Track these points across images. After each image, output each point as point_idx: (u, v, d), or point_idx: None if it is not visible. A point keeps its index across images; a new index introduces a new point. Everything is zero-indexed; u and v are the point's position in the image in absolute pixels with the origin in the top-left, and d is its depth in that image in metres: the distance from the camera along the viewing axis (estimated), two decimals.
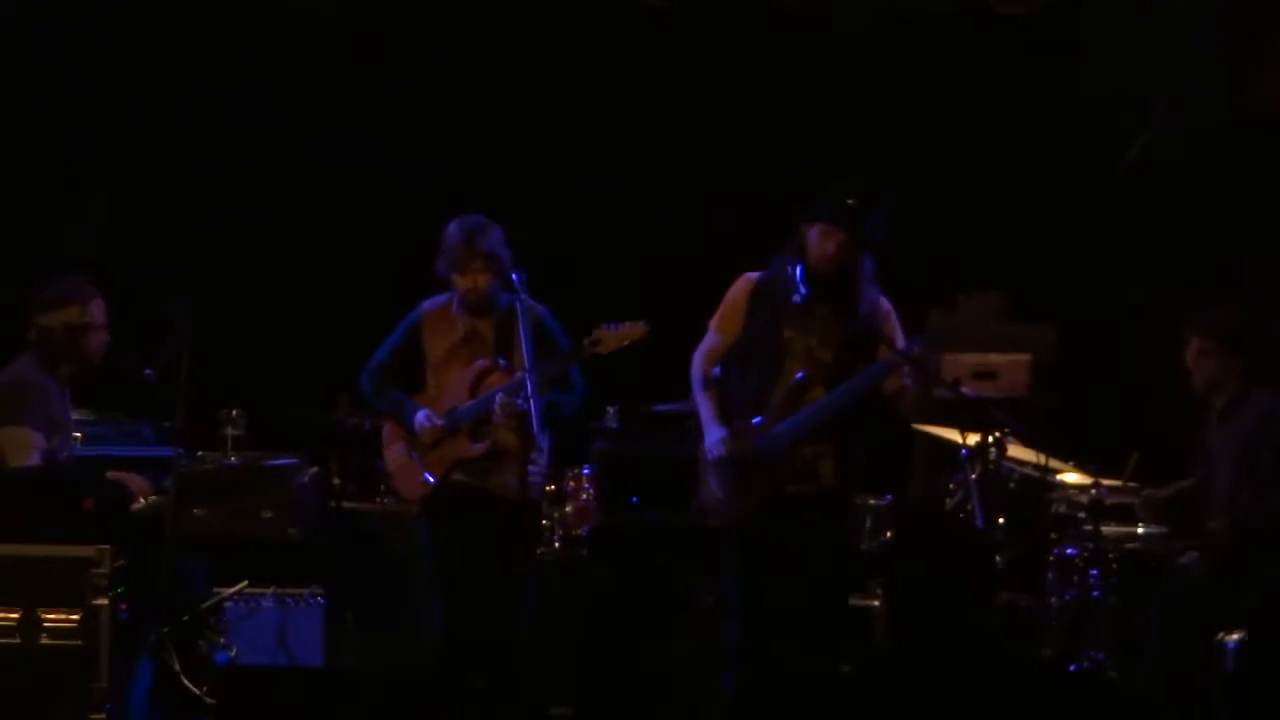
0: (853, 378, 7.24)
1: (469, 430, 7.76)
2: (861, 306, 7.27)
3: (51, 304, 7.90)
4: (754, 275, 7.49)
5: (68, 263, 8.66)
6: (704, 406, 7.44)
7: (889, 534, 8.95)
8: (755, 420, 7.28)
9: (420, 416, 7.78)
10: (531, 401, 7.40)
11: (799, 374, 7.27)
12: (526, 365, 7.48)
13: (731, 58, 10.34)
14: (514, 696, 7.77)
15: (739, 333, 7.45)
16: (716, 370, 7.52)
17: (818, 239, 7.29)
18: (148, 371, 7.97)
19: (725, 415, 7.37)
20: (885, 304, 7.43)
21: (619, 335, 7.57)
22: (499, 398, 7.61)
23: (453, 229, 7.80)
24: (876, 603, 8.82)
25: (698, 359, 7.54)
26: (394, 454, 7.98)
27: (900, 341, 7.34)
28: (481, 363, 7.79)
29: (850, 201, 7.25)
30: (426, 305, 7.95)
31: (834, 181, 7.37)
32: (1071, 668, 8.27)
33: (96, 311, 7.94)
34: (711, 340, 7.52)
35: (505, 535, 7.70)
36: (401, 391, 7.90)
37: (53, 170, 10.41)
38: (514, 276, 7.63)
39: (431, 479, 7.81)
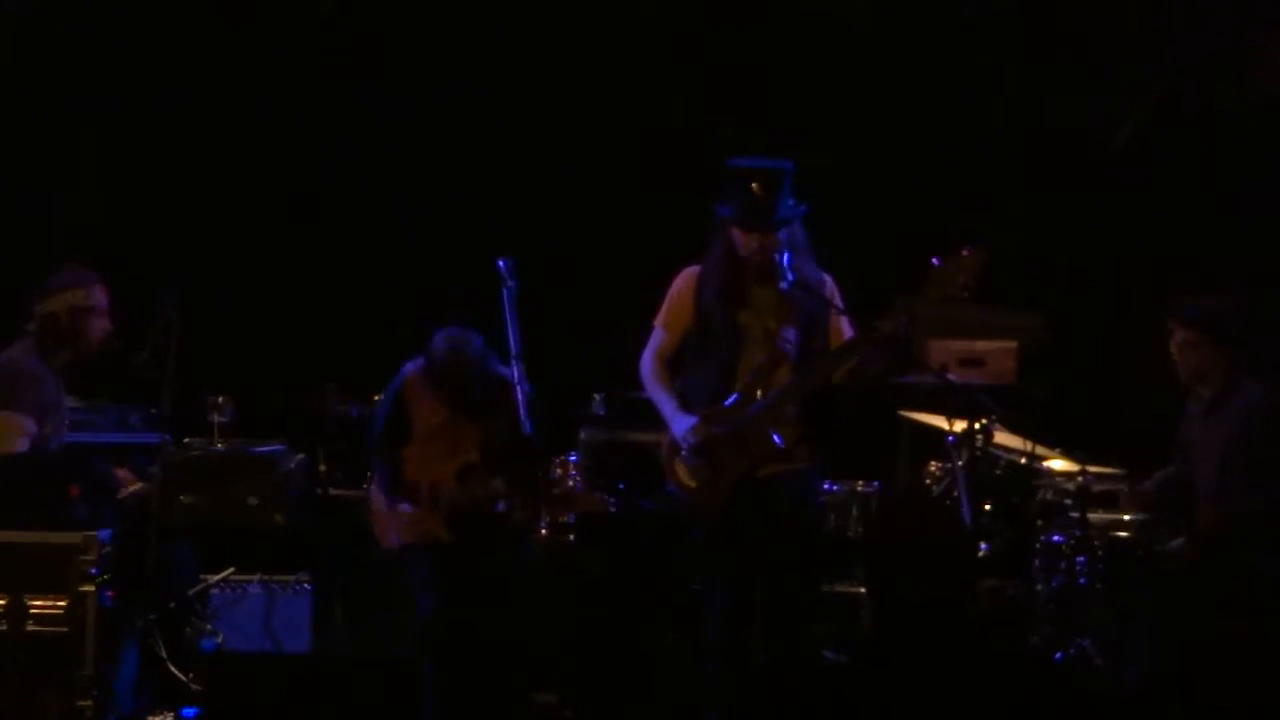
0: (822, 355, 7.21)
1: (445, 514, 7.81)
2: (798, 276, 7.21)
3: (55, 289, 7.91)
4: (696, 268, 7.45)
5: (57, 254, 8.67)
6: (665, 401, 7.38)
7: (874, 521, 8.94)
8: (727, 402, 7.25)
9: (403, 510, 7.85)
10: (518, 389, 7.39)
11: (763, 356, 7.25)
12: (513, 350, 7.47)
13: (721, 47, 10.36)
14: (502, 686, 7.80)
15: (688, 327, 7.41)
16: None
17: (741, 239, 7.26)
18: (137, 358, 7.98)
19: (687, 406, 7.34)
20: (829, 280, 7.39)
21: (583, 500, 7.66)
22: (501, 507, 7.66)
23: (437, 349, 7.79)
24: (863, 590, 8.82)
25: (648, 357, 7.46)
26: (376, 498, 8.02)
27: (846, 322, 7.30)
28: (468, 455, 7.82)
29: (757, 200, 7.18)
30: (409, 370, 7.96)
31: (732, 171, 7.28)
32: (1058, 655, 8.28)
33: (100, 296, 7.97)
34: (660, 337, 7.45)
35: (495, 529, 7.73)
36: (393, 470, 7.96)
37: (44, 162, 10.40)
38: (500, 263, 7.62)
39: (397, 541, 7.88)
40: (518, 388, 7.39)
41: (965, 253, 6.94)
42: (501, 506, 7.75)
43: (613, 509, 7.72)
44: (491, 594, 7.79)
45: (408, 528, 7.85)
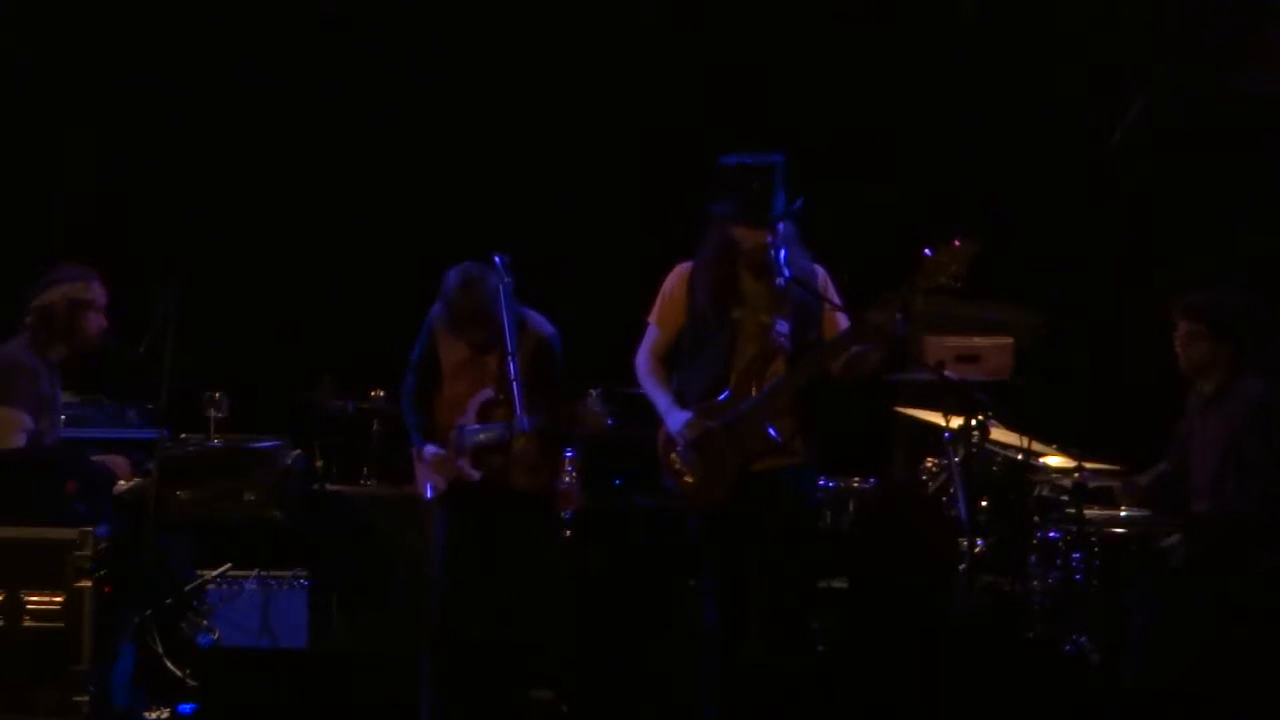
0: (816, 348, 7.22)
1: (470, 453, 7.77)
2: (793, 270, 7.22)
3: (52, 282, 7.93)
4: (688, 265, 7.45)
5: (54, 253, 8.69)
6: (660, 397, 7.39)
7: (866, 516, 8.95)
8: (720, 397, 7.26)
9: (428, 452, 7.82)
10: (514, 384, 7.39)
11: (756, 350, 7.26)
12: (509, 349, 7.47)
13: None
14: (498, 682, 7.81)
15: (681, 323, 7.42)
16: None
17: (745, 237, 7.25)
18: (133, 354, 7.99)
19: (682, 401, 7.35)
20: (822, 271, 7.40)
21: (593, 418, 7.66)
22: (514, 430, 7.60)
23: (450, 286, 7.72)
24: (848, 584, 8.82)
25: (642, 354, 7.48)
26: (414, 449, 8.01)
27: (841, 314, 7.32)
28: (488, 393, 7.81)
29: (760, 196, 7.16)
30: (437, 311, 7.92)
31: (728, 170, 7.26)
32: (1053, 651, 8.28)
33: (98, 292, 7.99)
34: (653, 333, 7.47)
35: (512, 526, 7.74)
36: (418, 413, 7.92)
37: (36, 154, 10.41)
38: (496, 260, 7.62)
39: (430, 492, 7.85)
40: (514, 383, 7.39)
41: (956, 243, 6.95)
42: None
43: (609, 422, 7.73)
44: (508, 575, 7.78)
45: (437, 468, 7.82)
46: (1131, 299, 9.87)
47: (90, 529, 7.55)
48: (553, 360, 7.81)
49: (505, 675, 7.89)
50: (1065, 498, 8.57)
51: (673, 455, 7.33)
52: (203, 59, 10.36)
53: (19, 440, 7.76)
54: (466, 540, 7.79)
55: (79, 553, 7.50)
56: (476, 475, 7.77)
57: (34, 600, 7.49)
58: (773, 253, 7.20)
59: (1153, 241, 9.89)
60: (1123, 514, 8.51)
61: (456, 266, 7.75)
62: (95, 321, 7.97)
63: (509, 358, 7.43)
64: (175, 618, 8.34)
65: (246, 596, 8.94)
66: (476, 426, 7.77)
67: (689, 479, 7.30)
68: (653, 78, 10.32)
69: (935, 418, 8.60)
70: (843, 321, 7.27)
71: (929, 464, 8.97)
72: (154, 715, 7.95)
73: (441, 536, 7.84)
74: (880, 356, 7.19)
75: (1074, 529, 8.38)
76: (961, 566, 8.35)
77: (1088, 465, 8.46)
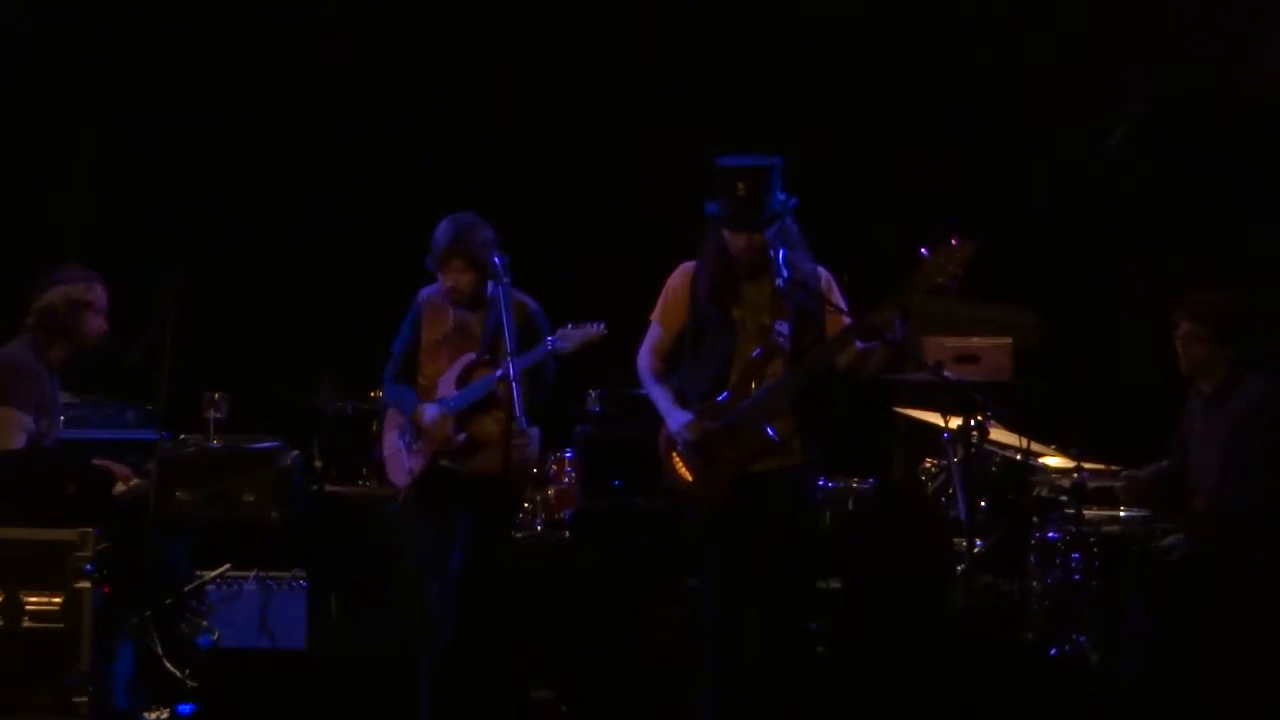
0: (815, 348, 7.22)
1: (454, 420, 7.76)
2: (792, 271, 7.21)
3: (53, 283, 7.93)
4: (692, 264, 7.46)
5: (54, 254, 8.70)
6: (661, 396, 7.40)
7: (866, 516, 8.95)
8: (720, 398, 7.26)
9: (430, 414, 7.79)
10: (514, 385, 7.39)
11: (756, 350, 7.26)
12: (509, 348, 7.47)
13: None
14: (498, 682, 7.80)
15: (684, 322, 7.42)
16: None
17: (730, 239, 7.27)
18: (132, 355, 7.99)
19: (683, 401, 7.35)
20: (824, 273, 7.39)
21: (583, 339, 7.63)
22: (496, 377, 7.61)
23: (441, 227, 7.79)
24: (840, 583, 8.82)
25: (644, 352, 7.49)
26: (389, 442, 8.00)
27: (845, 308, 7.32)
28: (470, 356, 7.81)
29: (742, 200, 7.18)
30: (425, 293, 7.94)
31: (720, 170, 7.25)
32: (1052, 651, 8.28)
33: (99, 294, 7.99)
34: (656, 332, 7.48)
35: (484, 514, 7.72)
36: (407, 386, 7.90)
37: (37, 156, 10.41)
38: (496, 260, 7.62)
39: (411, 470, 7.84)
40: (514, 383, 7.39)
41: (954, 243, 6.96)
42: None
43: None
44: (487, 564, 7.76)
45: (424, 448, 7.80)
46: (1131, 299, 9.88)
47: (90, 529, 7.54)
48: (537, 330, 7.81)
49: (505, 675, 7.88)
50: (1065, 498, 8.58)
51: (673, 454, 7.34)
52: (202, 59, 10.36)
53: (19, 440, 7.76)
54: (439, 540, 7.79)
55: (79, 553, 7.50)
56: (461, 438, 7.76)
57: (33, 601, 7.48)
58: (771, 253, 7.20)
59: (1153, 241, 9.89)
60: (1123, 514, 8.52)
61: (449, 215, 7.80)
62: (95, 323, 7.97)
63: (510, 358, 7.43)
64: (175, 618, 8.33)
65: (245, 597, 8.93)
66: (456, 394, 7.78)
67: (689, 478, 7.30)
68: (654, 76, 10.32)
69: (935, 418, 8.60)
70: (844, 323, 7.26)
71: (929, 464, 8.98)
72: (154, 715, 7.94)
73: (421, 535, 7.84)
74: (879, 358, 7.19)
75: (1074, 529, 8.39)
76: (961, 566, 8.36)
77: (1087, 465, 8.47)
